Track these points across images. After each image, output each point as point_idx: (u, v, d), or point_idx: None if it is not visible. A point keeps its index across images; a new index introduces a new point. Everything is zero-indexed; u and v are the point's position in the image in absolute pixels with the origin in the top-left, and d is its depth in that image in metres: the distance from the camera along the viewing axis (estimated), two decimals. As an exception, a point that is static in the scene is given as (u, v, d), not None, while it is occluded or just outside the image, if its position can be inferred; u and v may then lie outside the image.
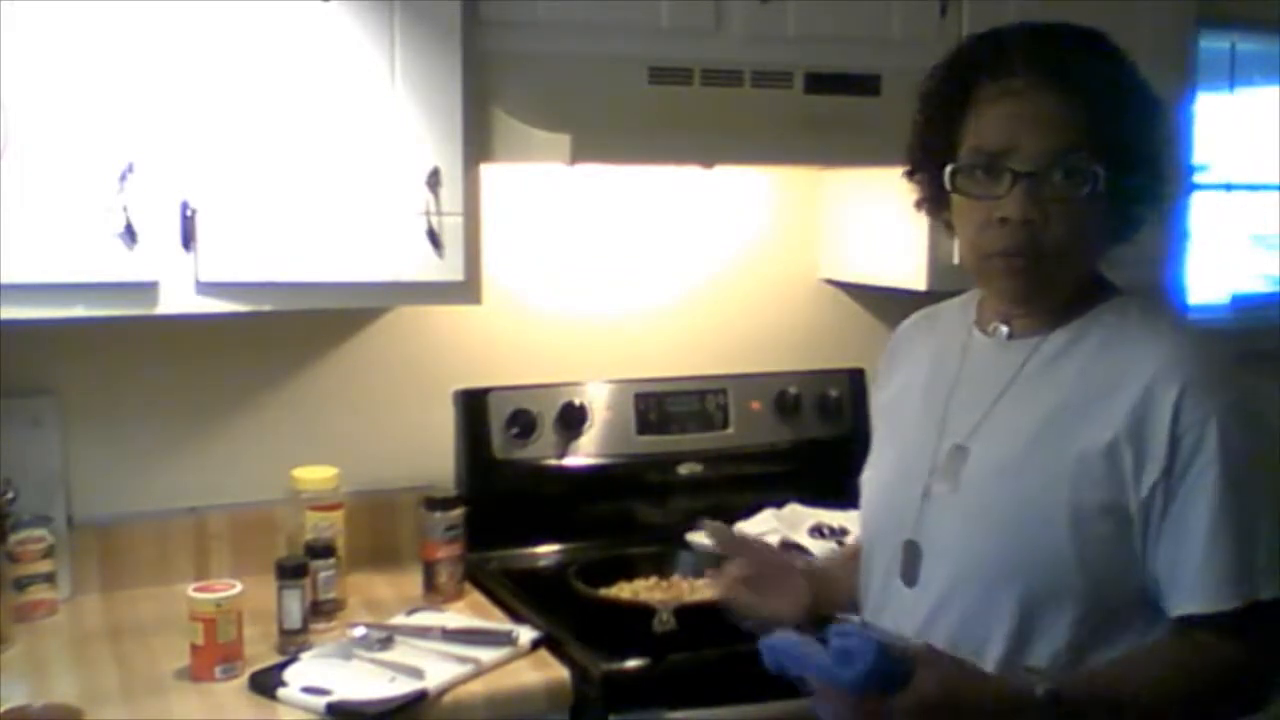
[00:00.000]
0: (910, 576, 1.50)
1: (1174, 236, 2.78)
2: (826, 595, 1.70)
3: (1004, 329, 1.52)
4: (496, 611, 2.24)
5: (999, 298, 1.53)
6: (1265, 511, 1.38)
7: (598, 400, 2.59)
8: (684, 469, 2.65)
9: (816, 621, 1.56)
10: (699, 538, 2.44)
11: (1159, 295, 1.54)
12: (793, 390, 2.74)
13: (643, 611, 2.04)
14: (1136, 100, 1.44)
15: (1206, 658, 1.38)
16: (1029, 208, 1.39)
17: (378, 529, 2.45)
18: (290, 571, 2.05)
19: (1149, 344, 1.42)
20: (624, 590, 2.20)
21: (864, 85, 2.40)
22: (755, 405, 2.72)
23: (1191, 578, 1.36)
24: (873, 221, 2.69)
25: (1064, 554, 1.39)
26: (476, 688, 1.92)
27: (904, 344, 1.70)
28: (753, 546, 1.86)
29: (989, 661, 1.42)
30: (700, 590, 2.19)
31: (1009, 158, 1.40)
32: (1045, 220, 1.40)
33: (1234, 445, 1.36)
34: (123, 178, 1.90)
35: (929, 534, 1.49)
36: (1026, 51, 1.42)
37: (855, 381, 2.81)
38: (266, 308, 2.06)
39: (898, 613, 1.51)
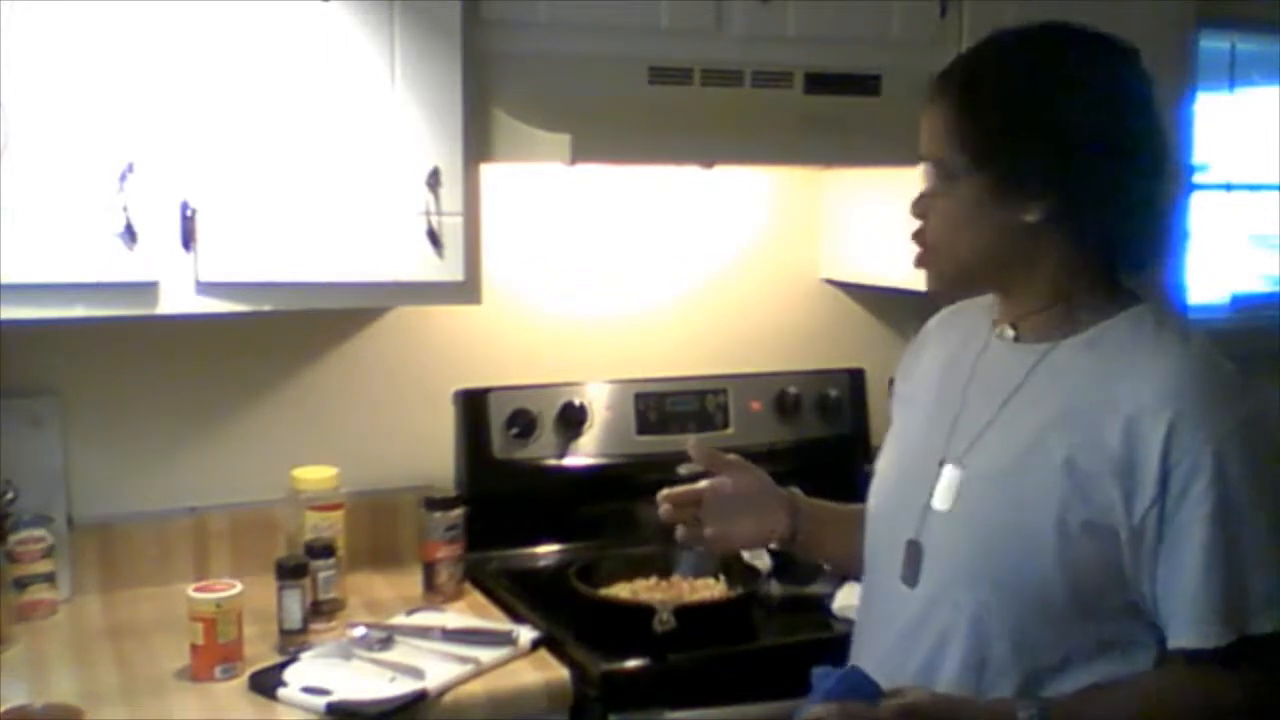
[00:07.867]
0: (911, 578, 1.50)
1: (1174, 237, 2.78)
2: (810, 537, 1.72)
3: (1010, 331, 1.52)
4: (496, 611, 2.24)
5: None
6: (1263, 541, 1.35)
7: (598, 400, 2.59)
8: (684, 469, 2.64)
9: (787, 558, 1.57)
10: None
11: (1172, 305, 1.52)
12: (793, 390, 2.74)
13: (643, 611, 2.04)
14: (1042, 94, 1.41)
15: (1199, 690, 1.37)
16: (915, 203, 1.51)
17: (378, 529, 2.45)
18: (290, 571, 2.05)
19: (1151, 364, 1.40)
20: (624, 590, 2.20)
21: (864, 85, 2.40)
22: (755, 405, 2.72)
23: (1184, 611, 1.35)
24: (873, 221, 2.69)
25: (1049, 567, 1.38)
26: (476, 688, 1.92)
27: (930, 338, 1.71)
28: (737, 466, 1.75)
29: (973, 670, 1.42)
30: (700, 590, 2.19)
31: None
32: (925, 215, 1.49)
33: (1232, 476, 1.34)
34: (123, 178, 1.90)
35: (931, 536, 1.49)
36: (950, 63, 1.51)
37: (855, 381, 2.81)
38: (266, 308, 2.06)
39: (894, 611, 1.52)
